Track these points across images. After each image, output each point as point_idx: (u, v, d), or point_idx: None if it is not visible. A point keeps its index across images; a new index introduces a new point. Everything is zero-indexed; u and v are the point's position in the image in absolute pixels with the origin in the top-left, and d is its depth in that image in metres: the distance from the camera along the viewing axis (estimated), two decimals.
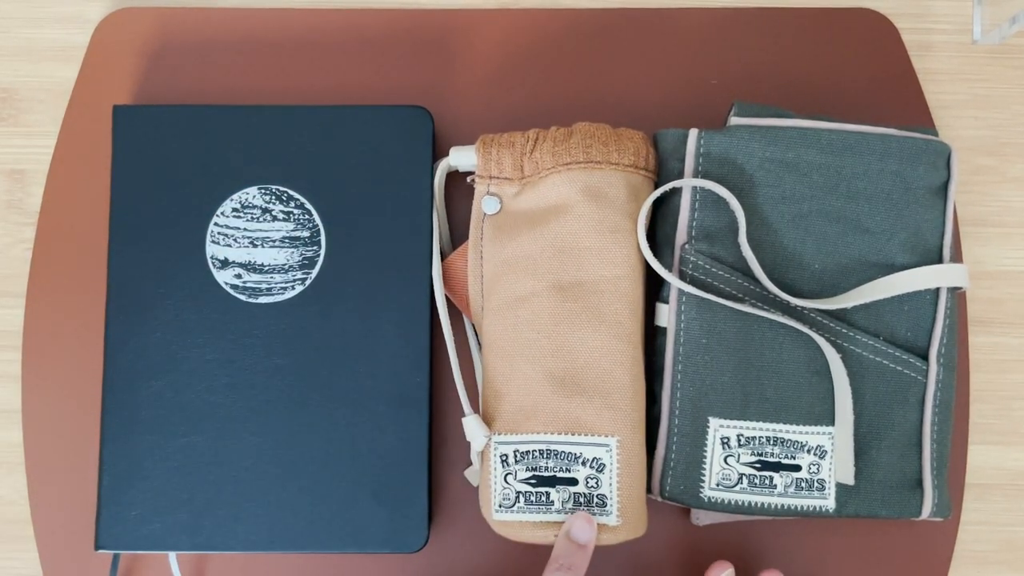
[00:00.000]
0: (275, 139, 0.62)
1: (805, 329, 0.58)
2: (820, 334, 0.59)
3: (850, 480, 0.58)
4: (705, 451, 0.59)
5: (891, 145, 0.59)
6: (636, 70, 0.67)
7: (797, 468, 0.58)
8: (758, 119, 0.60)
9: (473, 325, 0.64)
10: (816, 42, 0.67)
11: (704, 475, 0.58)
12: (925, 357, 0.59)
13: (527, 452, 0.58)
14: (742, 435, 0.58)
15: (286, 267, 0.61)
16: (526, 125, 0.66)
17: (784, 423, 0.58)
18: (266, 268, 0.62)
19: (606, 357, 0.58)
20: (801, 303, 0.58)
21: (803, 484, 0.58)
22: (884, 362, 0.59)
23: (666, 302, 0.59)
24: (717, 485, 0.58)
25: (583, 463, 0.57)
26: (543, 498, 0.57)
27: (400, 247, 0.61)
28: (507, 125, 0.66)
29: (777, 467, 0.58)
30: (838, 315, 0.59)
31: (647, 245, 0.59)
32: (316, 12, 0.67)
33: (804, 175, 0.59)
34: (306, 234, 0.62)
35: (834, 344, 0.59)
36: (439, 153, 0.65)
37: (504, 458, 0.58)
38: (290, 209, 0.62)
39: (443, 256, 0.63)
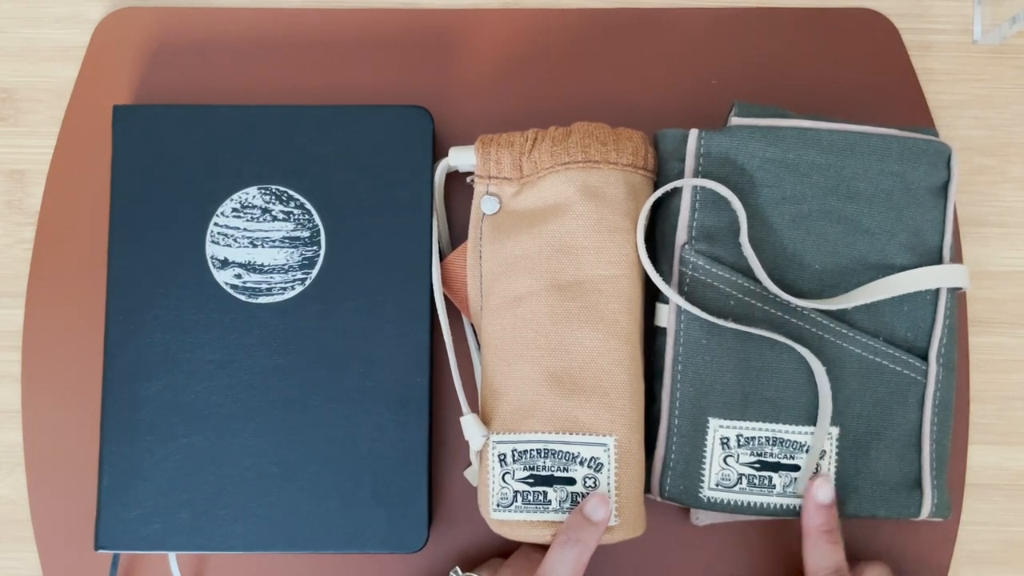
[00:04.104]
0: (275, 139, 0.62)
1: (791, 343, 0.57)
2: (819, 334, 0.59)
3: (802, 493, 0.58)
4: (704, 451, 0.59)
5: (891, 145, 0.59)
6: (636, 70, 0.67)
7: (796, 468, 0.58)
8: (758, 119, 0.60)
9: (472, 325, 0.64)
10: (816, 42, 0.67)
11: (703, 475, 0.59)
12: (925, 357, 0.59)
13: (525, 451, 0.58)
14: (741, 435, 0.58)
15: (286, 267, 0.62)
16: (526, 125, 0.66)
17: (783, 423, 0.58)
18: (266, 268, 0.62)
19: (604, 356, 0.58)
20: (801, 303, 0.58)
21: (802, 484, 0.58)
22: (884, 362, 0.59)
23: (666, 302, 0.59)
24: (716, 485, 0.58)
25: (581, 462, 0.57)
26: (541, 497, 0.57)
27: (400, 247, 0.61)
28: (507, 125, 0.66)
29: (776, 467, 0.58)
30: (838, 315, 0.59)
31: (646, 254, 0.58)
32: (316, 12, 0.67)
33: (804, 175, 0.59)
34: (306, 234, 0.62)
35: (834, 344, 0.59)
36: (439, 153, 0.65)
37: (502, 457, 0.58)
38: (290, 209, 0.62)
39: (442, 256, 0.63)
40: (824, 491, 0.57)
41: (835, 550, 0.57)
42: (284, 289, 0.61)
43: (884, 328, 0.59)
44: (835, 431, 0.59)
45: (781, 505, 0.58)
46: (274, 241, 0.62)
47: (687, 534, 0.63)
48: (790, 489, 0.58)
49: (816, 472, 0.58)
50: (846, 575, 0.57)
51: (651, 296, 0.62)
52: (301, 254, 0.62)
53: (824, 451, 0.58)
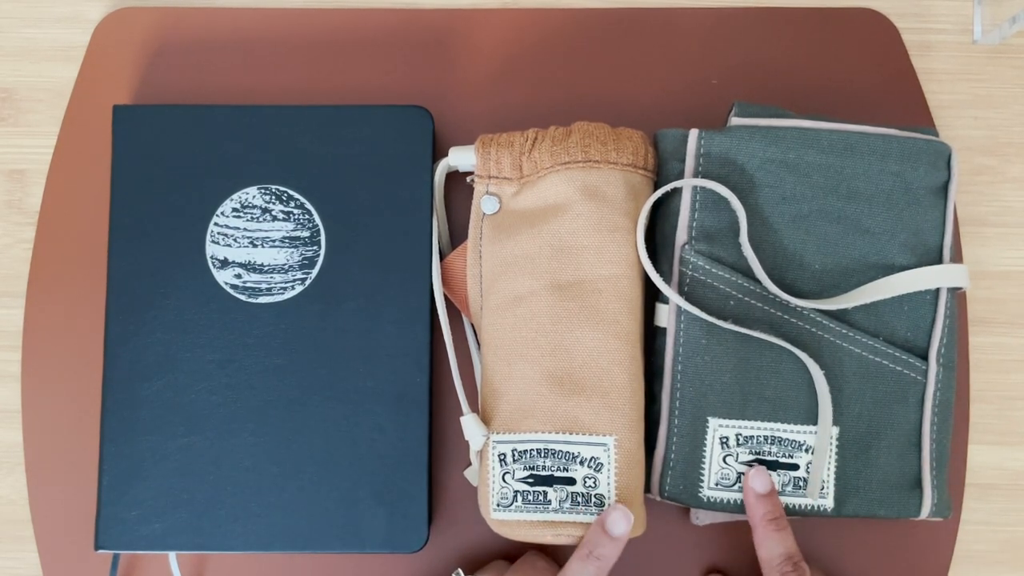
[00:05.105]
0: (275, 139, 0.62)
1: (792, 347, 0.57)
2: (819, 334, 0.59)
3: (816, 499, 0.58)
4: (704, 451, 0.59)
5: (892, 145, 0.59)
6: (636, 70, 0.67)
7: (795, 467, 0.58)
8: (758, 119, 0.60)
9: (472, 325, 0.64)
10: (816, 42, 0.67)
11: (703, 475, 0.59)
12: (925, 357, 0.59)
13: (525, 451, 0.58)
14: (741, 434, 0.58)
15: (286, 267, 0.62)
16: (526, 125, 0.66)
17: (783, 423, 0.58)
18: (266, 268, 0.62)
19: (604, 356, 0.58)
20: (801, 303, 0.58)
21: (801, 483, 0.58)
22: (884, 362, 0.59)
23: (666, 302, 0.59)
24: (716, 484, 0.58)
25: (581, 462, 0.57)
26: (541, 497, 0.57)
27: (400, 247, 0.61)
28: (507, 125, 0.66)
29: (775, 466, 0.58)
30: (838, 315, 0.59)
31: (646, 254, 0.59)
32: (316, 12, 0.67)
33: (805, 175, 0.59)
34: (306, 234, 0.62)
35: (834, 344, 0.59)
36: (439, 153, 0.65)
37: (502, 457, 0.58)
38: (290, 209, 0.62)
39: (442, 256, 0.63)
40: (759, 481, 0.57)
41: (783, 537, 0.56)
42: (284, 289, 0.61)
43: (884, 328, 0.59)
44: (835, 431, 0.59)
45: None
46: (274, 241, 0.62)
47: (687, 534, 0.63)
48: (789, 488, 0.58)
49: (751, 465, 0.58)
50: (799, 560, 0.56)
51: (651, 296, 0.62)
52: (301, 254, 0.62)
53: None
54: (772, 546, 0.56)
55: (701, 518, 0.62)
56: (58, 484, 0.64)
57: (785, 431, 0.58)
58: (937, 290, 0.59)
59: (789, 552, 0.56)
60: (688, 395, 0.59)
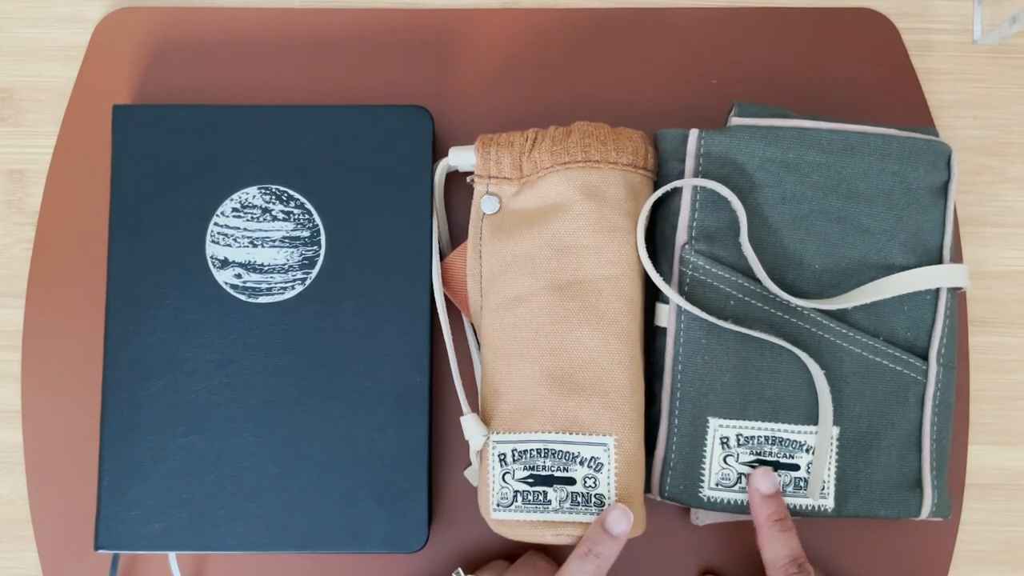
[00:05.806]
0: (275, 139, 0.62)
1: (792, 347, 0.57)
2: (819, 334, 0.59)
3: (816, 499, 0.58)
4: (704, 451, 0.59)
5: (891, 145, 0.59)
6: (636, 70, 0.67)
7: (796, 467, 0.58)
8: (758, 119, 0.60)
9: (472, 324, 0.64)
10: (816, 42, 0.67)
11: (703, 475, 0.59)
12: (925, 357, 0.59)
13: (525, 451, 0.58)
14: (741, 434, 0.58)
15: (286, 267, 0.62)
16: (526, 125, 0.66)
17: (783, 423, 0.58)
18: (266, 268, 0.62)
19: (604, 356, 0.58)
20: (801, 303, 0.58)
21: (802, 483, 0.58)
22: (884, 362, 0.59)
23: (666, 302, 0.59)
24: (716, 485, 0.58)
25: (581, 462, 0.57)
26: (540, 497, 0.57)
27: (400, 247, 0.61)
28: (507, 125, 0.66)
29: (776, 466, 0.58)
30: (838, 315, 0.59)
31: (647, 254, 0.59)
32: (316, 12, 0.67)
33: (805, 175, 0.59)
34: (306, 234, 0.62)
35: (834, 344, 0.59)
36: (439, 153, 0.65)
37: (502, 457, 0.58)
38: (290, 209, 0.62)
39: (442, 256, 0.63)
40: (764, 482, 0.57)
41: (788, 538, 0.56)
42: (284, 289, 0.61)
43: (884, 328, 0.59)
44: (835, 431, 0.59)
45: None
46: (274, 241, 0.62)
47: (687, 534, 0.63)
48: (790, 488, 0.58)
49: (752, 465, 0.58)
50: (804, 561, 0.56)
51: (651, 296, 0.62)
52: (301, 254, 0.62)
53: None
54: (777, 547, 0.56)
55: (701, 518, 0.62)
56: (58, 484, 0.64)
57: (785, 431, 0.58)
58: (937, 290, 0.59)
59: (794, 553, 0.56)
60: (688, 395, 0.59)
